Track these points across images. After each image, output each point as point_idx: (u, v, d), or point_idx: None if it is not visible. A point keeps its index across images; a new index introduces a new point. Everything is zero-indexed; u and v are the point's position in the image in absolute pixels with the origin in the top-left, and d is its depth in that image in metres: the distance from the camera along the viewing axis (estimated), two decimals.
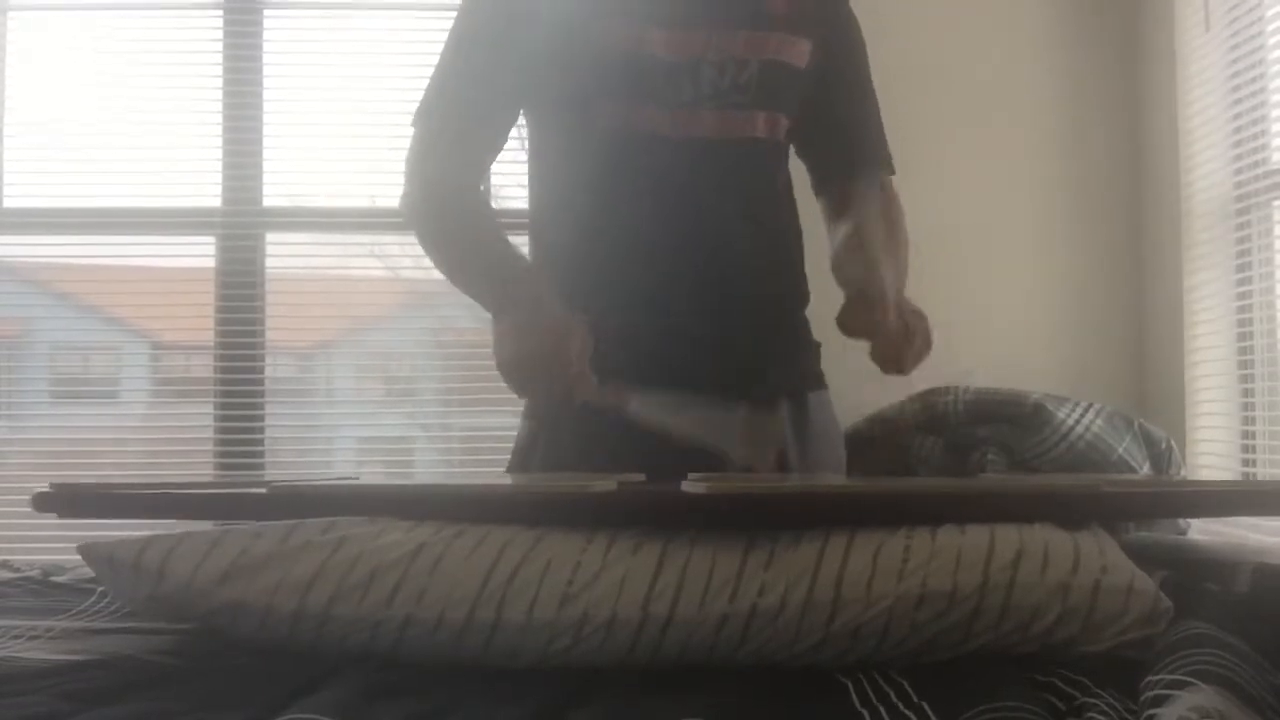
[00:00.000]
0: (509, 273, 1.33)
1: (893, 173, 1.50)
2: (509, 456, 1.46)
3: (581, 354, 1.19)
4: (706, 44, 1.33)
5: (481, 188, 1.44)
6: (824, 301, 1.47)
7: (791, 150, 1.49)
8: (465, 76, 1.37)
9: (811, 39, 1.40)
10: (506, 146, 1.42)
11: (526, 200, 1.50)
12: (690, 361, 1.31)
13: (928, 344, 1.31)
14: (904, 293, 1.34)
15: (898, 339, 1.27)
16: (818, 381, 1.47)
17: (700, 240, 1.33)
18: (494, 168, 1.48)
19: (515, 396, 1.45)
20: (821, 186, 1.51)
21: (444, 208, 1.37)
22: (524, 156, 1.48)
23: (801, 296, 1.47)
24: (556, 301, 1.24)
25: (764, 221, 1.40)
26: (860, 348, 1.30)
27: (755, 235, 1.38)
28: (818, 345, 1.48)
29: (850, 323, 1.29)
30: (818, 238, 1.49)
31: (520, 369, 1.20)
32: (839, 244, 1.43)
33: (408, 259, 3.01)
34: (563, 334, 1.18)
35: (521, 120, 1.44)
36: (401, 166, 1.39)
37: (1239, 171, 2.39)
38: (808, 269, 1.47)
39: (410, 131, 1.39)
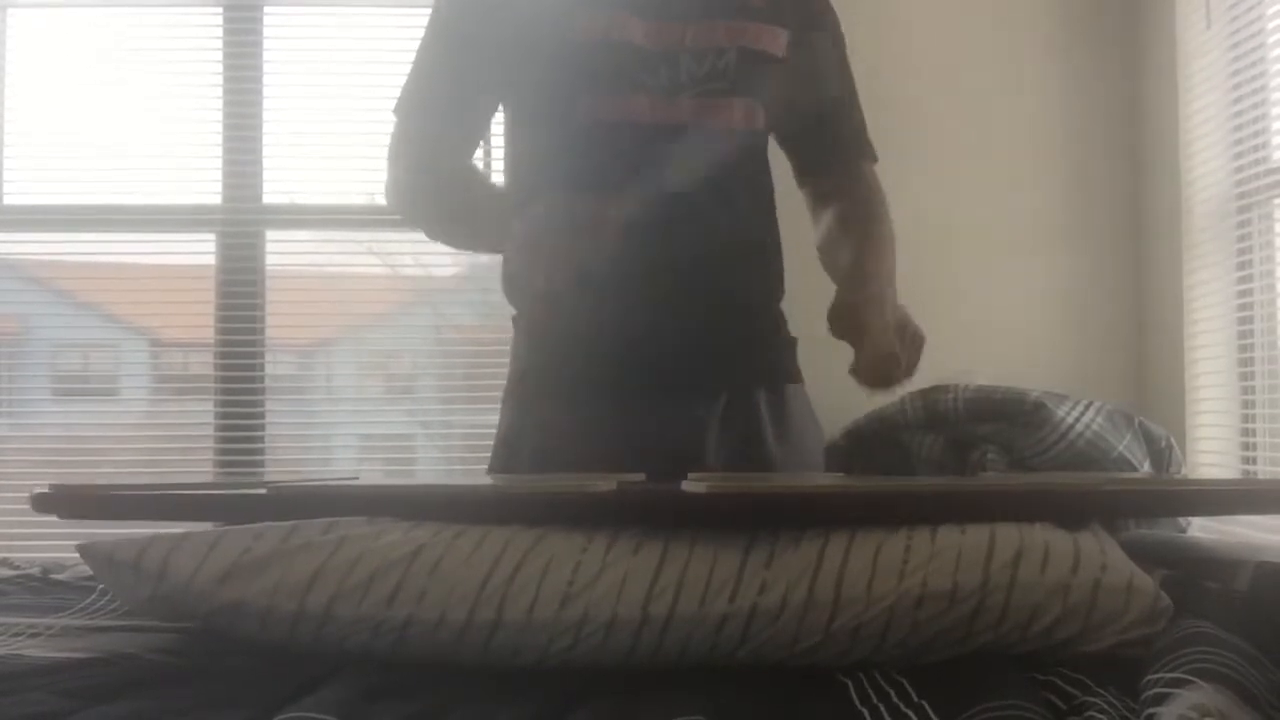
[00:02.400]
0: (510, 209, 1.29)
1: (875, 160, 1.49)
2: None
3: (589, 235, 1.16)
4: (685, 34, 1.33)
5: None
6: (804, 299, 1.47)
7: (775, 146, 1.48)
8: (445, 64, 1.38)
9: (790, 28, 1.40)
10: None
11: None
12: (663, 353, 1.32)
13: (916, 355, 1.27)
14: (894, 285, 1.32)
15: (883, 363, 1.23)
16: (794, 375, 1.46)
17: (674, 227, 1.32)
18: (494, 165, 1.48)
19: None
20: (803, 177, 1.50)
21: (431, 175, 1.37)
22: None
23: (777, 288, 1.46)
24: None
25: (739, 211, 1.39)
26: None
27: (730, 224, 1.37)
28: (794, 340, 1.47)
29: (837, 330, 1.26)
30: (801, 234, 1.48)
31: (529, 252, 1.18)
32: (824, 234, 1.43)
33: (408, 256, 3.02)
34: (569, 220, 1.17)
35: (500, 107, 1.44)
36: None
37: (1239, 170, 2.39)
38: (790, 265, 1.46)
39: (392, 121, 1.39)
